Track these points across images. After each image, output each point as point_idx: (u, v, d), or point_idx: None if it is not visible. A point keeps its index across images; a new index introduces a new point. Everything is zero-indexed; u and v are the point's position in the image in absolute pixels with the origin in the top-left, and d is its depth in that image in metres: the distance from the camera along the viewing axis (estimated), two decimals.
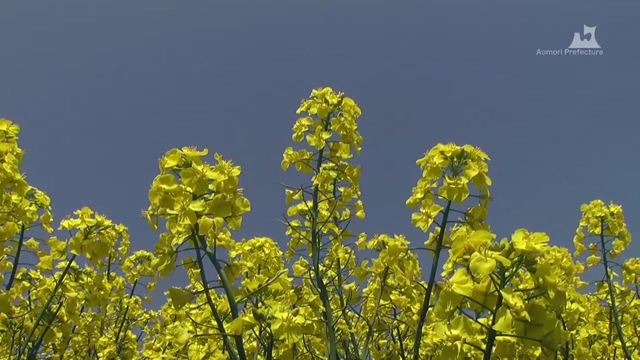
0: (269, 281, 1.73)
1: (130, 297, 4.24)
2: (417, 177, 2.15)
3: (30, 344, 2.74)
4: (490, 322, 1.41)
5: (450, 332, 1.35)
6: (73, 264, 2.77)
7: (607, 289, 3.55)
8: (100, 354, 3.50)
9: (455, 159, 2.08)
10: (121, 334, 3.98)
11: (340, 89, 2.52)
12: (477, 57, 12.20)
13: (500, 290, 1.33)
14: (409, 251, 2.35)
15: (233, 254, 3.25)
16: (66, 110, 11.70)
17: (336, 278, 3.15)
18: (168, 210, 1.65)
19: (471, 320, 1.39)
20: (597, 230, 3.49)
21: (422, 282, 2.67)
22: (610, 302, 3.51)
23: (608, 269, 3.53)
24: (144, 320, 4.56)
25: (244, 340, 1.82)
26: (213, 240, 1.68)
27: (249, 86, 13.13)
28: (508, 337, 1.47)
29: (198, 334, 1.85)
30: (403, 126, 12.62)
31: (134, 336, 3.96)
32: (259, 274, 3.15)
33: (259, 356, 2.28)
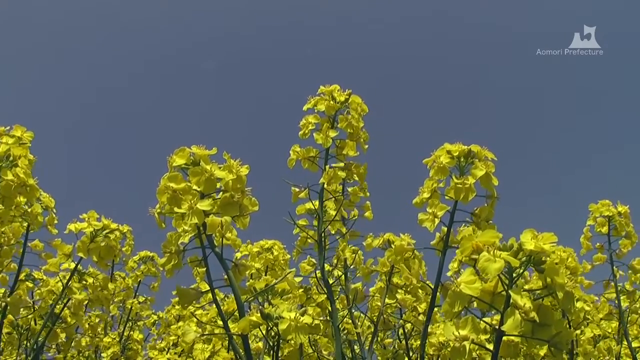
0: (276, 281, 1.72)
1: (134, 298, 4.24)
2: (423, 177, 2.13)
3: (35, 345, 2.73)
4: (494, 321, 1.40)
5: (459, 333, 1.33)
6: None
7: (613, 288, 3.53)
8: (104, 354, 3.50)
9: (462, 159, 2.05)
10: (125, 334, 3.97)
11: (347, 86, 2.50)
12: (477, 56, 12.20)
13: (509, 291, 1.32)
14: (415, 250, 2.34)
15: (238, 254, 3.24)
16: (68, 109, 11.74)
17: (342, 277, 3.13)
18: (175, 209, 1.64)
19: (478, 320, 1.38)
20: (604, 230, 3.48)
21: (427, 282, 2.65)
22: (617, 302, 3.49)
23: (614, 268, 3.51)
24: (152, 321, 4.56)
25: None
26: (221, 239, 1.66)
27: (253, 85, 13.16)
28: (512, 337, 1.46)
29: (205, 333, 1.84)
30: (408, 125, 12.61)
31: (140, 336, 3.96)
32: (266, 275, 3.14)
33: (266, 356, 2.27)
